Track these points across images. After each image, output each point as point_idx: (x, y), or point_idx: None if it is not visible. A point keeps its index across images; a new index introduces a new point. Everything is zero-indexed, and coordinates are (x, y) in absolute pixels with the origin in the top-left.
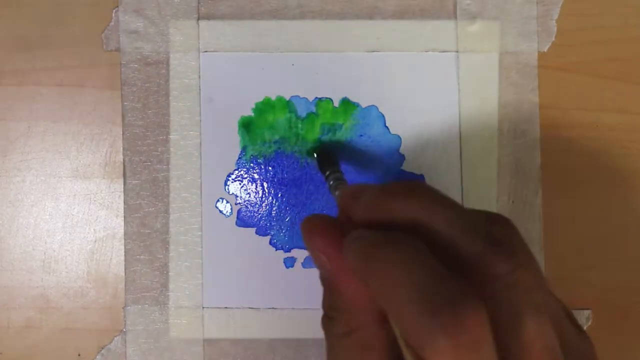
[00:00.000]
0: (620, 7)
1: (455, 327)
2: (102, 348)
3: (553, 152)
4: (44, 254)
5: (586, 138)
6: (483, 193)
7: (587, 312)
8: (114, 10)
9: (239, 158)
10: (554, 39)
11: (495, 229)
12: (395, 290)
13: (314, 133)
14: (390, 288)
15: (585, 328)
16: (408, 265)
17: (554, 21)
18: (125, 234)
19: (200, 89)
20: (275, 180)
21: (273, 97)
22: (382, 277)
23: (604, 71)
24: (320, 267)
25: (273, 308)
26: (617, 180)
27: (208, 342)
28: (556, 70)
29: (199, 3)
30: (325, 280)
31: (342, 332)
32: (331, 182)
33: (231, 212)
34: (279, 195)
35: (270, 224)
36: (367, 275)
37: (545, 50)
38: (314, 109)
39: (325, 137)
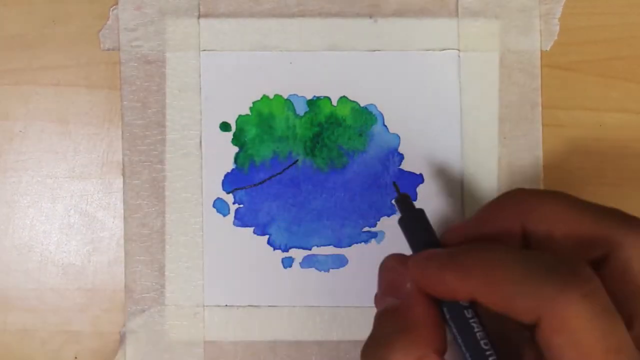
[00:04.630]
0: (623, 6)
1: (577, 279)
2: (101, 351)
3: (556, 152)
4: (41, 255)
5: (589, 138)
6: (484, 194)
7: None
8: (110, 9)
9: (237, 157)
10: (556, 37)
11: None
12: (504, 267)
13: (312, 132)
14: (501, 270)
15: None
16: (509, 252)
17: (557, 19)
18: (124, 234)
19: (200, 88)
20: (273, 179)
21: (271, 96)
22: (489, 265)
23: (608, 70)
24: (396, 292)
25: (273, 306)
26: (621, 181)
27: (208, 343)
28: (559, 69)
29: (199, 1)
30: (400, 306)
31: (414, 358)
32: None
33: (228, 212)
34: (277, 194)
35: (268, 223)
36: (469, 272)
37: (548, 49)
38: (312, 108)
39: (325, 135)
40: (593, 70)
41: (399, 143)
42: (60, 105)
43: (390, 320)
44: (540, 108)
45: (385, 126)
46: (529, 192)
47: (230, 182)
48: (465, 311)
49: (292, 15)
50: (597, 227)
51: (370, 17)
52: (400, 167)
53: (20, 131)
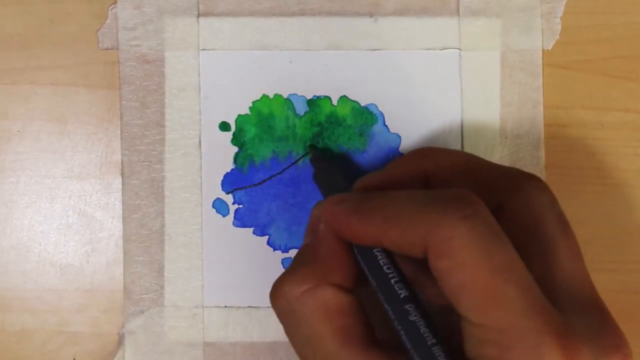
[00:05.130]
0: (625, 5)
1: (458, 203)
2: (99, 352)
3: (557, 152)
4: (39, 256)
5: (591, 138)
6: None
7: None
8: (109, 8)
9: (236, 157)
10: (558, 36)
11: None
12: (396, 206)
13: (312, 132)
14: (392, 209)
15: None
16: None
17: (559, 19)
18: (123, 234)
19: (199, 88)
20: (273, 179)
21: (271, 96)
22: (387, 207)
23: (610, 69)
24: (312, 233)
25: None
26: (623, 181)
27: (208, 344)
28: (561, 68)
29: (198, 0)
30: (310, 243)
31: (306, 289)
32: None
33: (228, 212)
34: (277, 194)
35: (268, 224)
36: (370, 217)
37: (550, 48)
38: (312, 107)
39: (325, 134)
40: (595, 69)
41: (400, 143)
42: (58, 104)
43: (296, 258)
44: (541, 107)
45: (386, 126)
46: (432, 147)
47: (230, 182)
48: (376, 251)
49: (292, 14)
50: (496, 175)
51: (371, 16)
52: None
53: (19, 131)
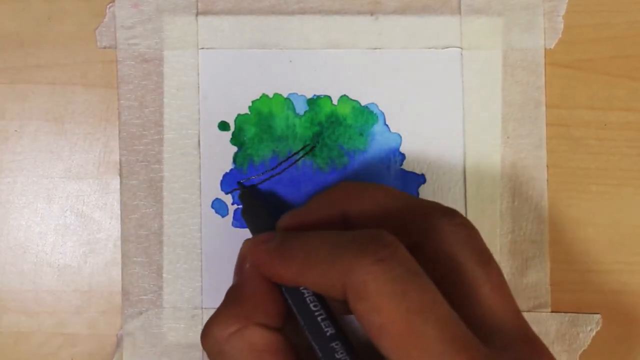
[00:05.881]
0: (628, 3)
1: (373, 245)
2: (98, 353)
3: (560, 152)
4: (36, 256)
5: (594, 137)
6: (487, 194)
7: (596, 317)
8: (107, 6)
9: (236, 157)
10: (560, 35)
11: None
12: (315, 248)
13: (312, 131)
14: (311, 251)
15: (594, 333)
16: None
17: (561, 17)
18: (121, 235)
19: (198, 87)
20: (272, 179)
21: (270, 95)
22: (307, 249)
23: (613, 69)
24: (239, 272)
25: None
26: (626, 181)
27: None
28: (563, 67)
29: None
30: (237, 282)
31: (233, 330)
32: None
33: (227, 213)
34: (276, 195)
35: None
36: (292, 259)
37: (552, 47)
38: (312, 107)
39: (326, 134)
40: (597, 68)
41: (401, 143)
42: (56, 104)
43: (225, 298)
44: (544, 107)
45: (387, 125)
46: (351, 183)
47: (229, 182)
48: (302, 289)
49: (292, 13)
50: (413, 213)
51: (372, 14)
52: (402, 167)
53: (16, 131)
